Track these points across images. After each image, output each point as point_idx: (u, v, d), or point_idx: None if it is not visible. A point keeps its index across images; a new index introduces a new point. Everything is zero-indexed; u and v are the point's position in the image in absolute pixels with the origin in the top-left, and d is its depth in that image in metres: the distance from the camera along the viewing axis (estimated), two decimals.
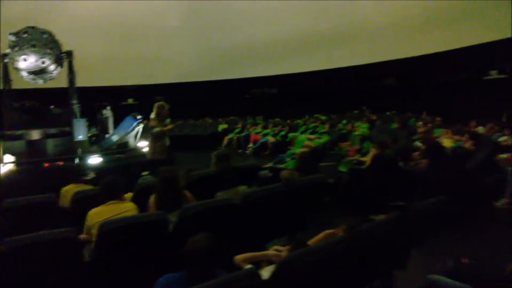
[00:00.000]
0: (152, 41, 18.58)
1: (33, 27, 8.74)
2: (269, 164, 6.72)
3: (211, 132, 14.77)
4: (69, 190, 4.19)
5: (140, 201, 3.54)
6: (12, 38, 8.45)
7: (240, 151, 12.62)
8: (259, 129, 13.03)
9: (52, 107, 9.86)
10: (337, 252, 2.10)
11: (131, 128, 9.28)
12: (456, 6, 12.00)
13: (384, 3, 14.10)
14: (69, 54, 9.23)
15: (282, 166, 6.28)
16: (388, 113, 13.93)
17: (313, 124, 12.36)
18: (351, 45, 15.35)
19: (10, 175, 6.59)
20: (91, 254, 2.85)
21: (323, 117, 13.80)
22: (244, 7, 17.28)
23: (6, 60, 8.68)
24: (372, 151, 6.38)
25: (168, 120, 7.58)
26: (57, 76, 9.41)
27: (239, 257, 2.38)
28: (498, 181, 5.72)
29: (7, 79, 8.93)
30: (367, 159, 6.07)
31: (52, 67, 8.97)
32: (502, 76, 10.64)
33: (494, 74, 10.93)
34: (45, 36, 8.73)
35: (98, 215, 3.17)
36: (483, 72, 11.33)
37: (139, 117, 9.36)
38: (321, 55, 16.30)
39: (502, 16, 10.71)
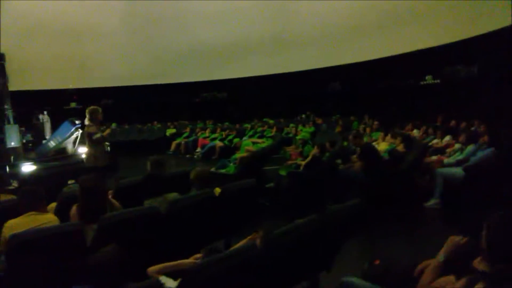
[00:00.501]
0: (96, 43, 17.96)
1: None
2: (212, 169, 6.67)
3: (159, 136, 14.48)
4: None
5: (64, 211, 3.40)
6: None
7: (188, 156, 12.49)
8: (207, 133, 12.95)
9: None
10: (249, 257, 2.11)
11: (68, 133, 8.90)
12: (394, 11, 12.61)
13: (334, 7, 14.42)
14: (1, 57, 8.74)
15: (223, 171, 6.27)
16: (334, 117, 14.32)
17: (260, 128, 12.47)
18: (299, 50, 15.64)
19: None
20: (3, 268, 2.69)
21: (271, 121, 13.95)
22: (194, 8, 17.16)
23: None
24: (310, 154, 6.54)
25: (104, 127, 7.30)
26: None
27: (152, 269, 2.33)
28: (428, 182, 6.06)
29: None
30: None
31: None
32: (437, 81, 11.29)
33: (429, 79, 11.57)
34: None
35: (15, 227, 2.99)
36: (420, 77, 11.96)
37: (77, 122, 8.99)
38: (271, 59, 16.48)
39: (440, 21, 11.39)
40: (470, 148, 5.99)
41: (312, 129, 12.10)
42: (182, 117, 17.59)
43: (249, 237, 2.67)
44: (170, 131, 14.72)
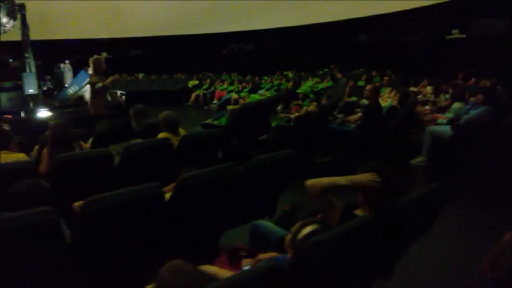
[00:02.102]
0: None
1: None
2: (208, 120, 6.87)
3: (181, 87, 14.77)
4: None
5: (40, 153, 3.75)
6: None
7: (205, 107, 12.76)
8: (225, 85, 13.08)
9: (10, 60, 9.82)
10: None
11: (85, 82, 9.29)
12: None
13: None
14: (22, 7, 9.10)
15: (215, 122, 6.44)
16: (357, 71, 13.93)
17: (277, 82, 12.41)
18: (327, 2, 15.03)
19: None
20: None
21: (291, 75, 13.79)
22: None
23: None
24: (304, 109, 6.56)
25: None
26: (10, 29, 9.31)
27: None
28: (415, 138, 5.96)
29: None
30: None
31: (4, 20, 8.87)
32: (463, 35, 10.61)
33: (456, 33, 10.89)
34: None
35: None
36: (447, 31, 11.28)
37: None
38: (298, 11, 15.97)
39: None
40: (456, 106, 5.80)
41: (330, 83, 11.90)
42: (208, 69, 17.72)
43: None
44: (192, 83, 14.95)
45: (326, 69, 14.79)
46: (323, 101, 6.70)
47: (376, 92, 5.85)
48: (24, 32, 9.19)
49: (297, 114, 6.33)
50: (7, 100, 8.42)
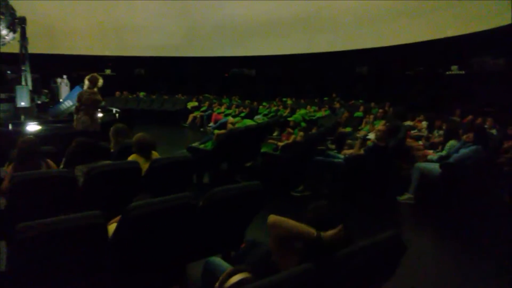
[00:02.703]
0: (133, 13, 18.37)
1: None
2: (195, 144, 6.74)
3: (179, 108, 14.77)
4: None
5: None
6: None
7: (202, 129, 12.69)
8: (222, 109, 13.04)
9: (8, 72, 9.84)
10: None
11: None
12: None
13: None
14: (22, 20, 9.20)
15: (201, 146, 6.32)
16: (356, 101, 13.89)
17: (275, 108, 12.36)
18: (331, 32, 15.17)
19: None
20: None
21: (290, 102, 13.76)
22: None
23: None
24: (292, 137, 6.44)
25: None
26: (10, 41, 9.41)
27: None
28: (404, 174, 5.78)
29: None
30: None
31: (4, 32, 8.96)
32: (461, 72, 10.56)
33: (455, 69, 10.85)
34: None
35: None
36: (446, 67, 11.25)
37: None
38: (302, 38, 16.13)
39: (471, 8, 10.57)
40: (451, 143, 5.65)
41: (326, 112, 11.83)
42: (209, 92, 17.77)
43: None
44: (191, 104, 14.94)
45: (325, 98, 14.75)
46: (313, 130, 6.58)
47: (389, 135, 5.59)
48: (22, 45, 9.25)
49: (285, 142, 6.19)
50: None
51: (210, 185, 6.50)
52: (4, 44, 9.25)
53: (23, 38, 9.24)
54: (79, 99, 6.98)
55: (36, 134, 6.18)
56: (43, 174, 3.20)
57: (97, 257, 2.27)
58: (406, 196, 5.49)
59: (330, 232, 1.73)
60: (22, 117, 8.44)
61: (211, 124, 12.29)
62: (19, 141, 3.65)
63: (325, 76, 15.85)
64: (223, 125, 11.71)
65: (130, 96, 16.86)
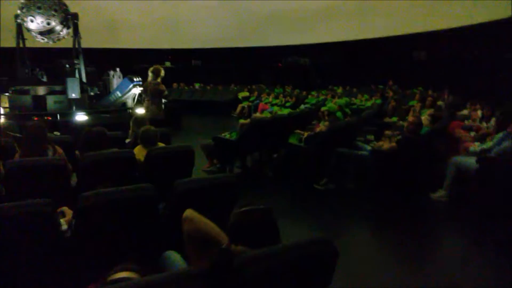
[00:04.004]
0: (190, 6, 18.78)
1: None
2: (224, 133, 6.70)
3: (230, 98, 14.89)
4: None
5: None
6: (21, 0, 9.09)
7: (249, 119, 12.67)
8: (270, 99, 12.91)
9: (67, 66, 10.49)
10: None
11: (127, 89, 9.71)
12: None
13: None
14: (75, 16, 9.74)
15: (227, 136, 6.26)
16: (414, 90, 12.97)
17: (322, 97, 11.96)
18: (384, 17, 14.29)
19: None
20: None
21: (339, 90, 13.24)
22: None
23: (18, 21, 9.41)
24: (319, 128, 6.16)
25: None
26: (65, 37, 10.04)
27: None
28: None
29: (19, 38, 9.69)
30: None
31: (58, 27, 9.57)
32: None
33: None
34: None
35: None
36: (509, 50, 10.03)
37: (135, 79, 9.74)
38: (355, 25, 15.41)
39: None
40: (499, 135, 4.99)
41: (377, 101, 11.21)
42: (263, 81, 17.70)
43: None
44: (242, 94, 15.00)
45: (381, 86, 13.97)
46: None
47: (418, 128, 5.16)
48: (75, 40, 9.83)
49: (308, 133, 5.93)
50: (53, 102, 8.99)
51: (236, 176, 6.49)
52: (59, 40, 9.90)
53: (76, 33, 9.80)
54: (145, 89, 7.54)
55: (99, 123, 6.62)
56: (35, 161, 3.31)
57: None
58: (440, 193, 4.99)
59: (240, 248, 1.54)
60: (74, 107, 8.99)
61: (257, 113, 12.21)
62: (27, 126, 3.84)
63: (381, 63, 14.99)
64: None
65: (186, 88, 17.35)
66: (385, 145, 5.09)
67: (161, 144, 4.18)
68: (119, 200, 2.34)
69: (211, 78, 18.66)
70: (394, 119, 8.60)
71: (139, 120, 4.97)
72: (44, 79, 10.46)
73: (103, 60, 13.56)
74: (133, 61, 17.23)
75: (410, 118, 5.18)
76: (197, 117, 13.09)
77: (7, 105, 9.07)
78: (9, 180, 3.12)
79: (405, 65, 14.57)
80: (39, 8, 9.09)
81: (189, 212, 1.78)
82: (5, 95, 9.16)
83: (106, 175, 3.31)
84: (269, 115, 6.93)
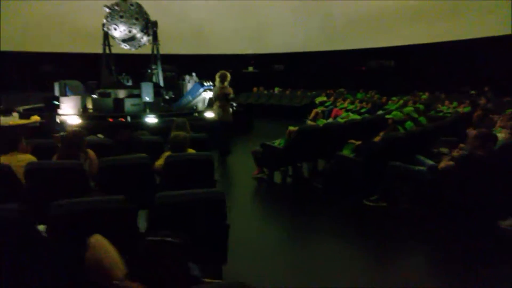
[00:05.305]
0: (272, 12, 18.81)
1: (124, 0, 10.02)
2: (276, 141, 6.47)
3: (306, 103, 14.56)
4: None
5: None
6: (106, 9, 9.89)
7: None
8: (346, 104, 12.29)
9: (149, 71, 11.15)
10: None
11: (198, 93, 9.99)
12: None
13: None
14: (154, 24, 10.33)
15: (276, 143, 6.02)
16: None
17: (402, 102, 11.03)
18: (476, 16, 12.74)
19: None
20: None
21: (425, 96, 12.08)
22: None
23: (104, 29, 10.26)
24: (377, 139, 5.59)
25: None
26: (146, 44, 10.68)
27: None
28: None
29: (105, 45, 10.56)
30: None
31: (139, 35, 10.24)
32: None
33: None
34: (132, 7, 9.94)
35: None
36: None
37: (206, 84, 9.98)
38: (444, 25, 14.00)
39: None
40: None
41: (466, 109, 10.00)
42: (344, 86, 16.98)
43: None
44: (319, 99, 14.56)
45: (472, 92, 12.47)
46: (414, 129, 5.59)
47: (484, 141, 4.32)
48: (154, 46, 10.40)
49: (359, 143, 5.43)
50: (131, 105, 9.60)
51: (281, 186, 6.23)
52: (140, 46, 10.57)
53: (155, 40, 10.37)
54: (213, 94, 7.97)
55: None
56: (51, 164, 3.44)
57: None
58: (510, 221, 4.19)
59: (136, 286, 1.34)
60: (147, 110, 9.49)
61: (331, 119, 11.71)
62: (67, 131, 4.07)
63: (477, 66, 13.36)
64: None
65: (265, 92, 17.40)
66: (442, 163, 4.41)
67: (191, 151, 4.13)
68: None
69: (292, 82, 18.47)
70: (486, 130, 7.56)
71: (180, 124, 5.01)
72: (130, 83, 11.28)
73: (188, 66, 14.16)
74: (217, 67, 17.78)
75: (475, 130, 4.44)
76: (270, 121, 13.01)
77: (91, 106, 9.90)
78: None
79: (504, 70, 12.80)
80: (121, 17, 9.81)
81: (94, 238, 1.63)
82: (90, 97, 10.01)
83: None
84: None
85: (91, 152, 4.05)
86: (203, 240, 2.65)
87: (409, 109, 6.90)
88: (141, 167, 3.45)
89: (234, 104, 11.30)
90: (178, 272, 1.39)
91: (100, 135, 5.79)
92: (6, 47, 14.63)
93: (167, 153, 3.99)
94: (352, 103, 12.25)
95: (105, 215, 2.31)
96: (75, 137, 3.99)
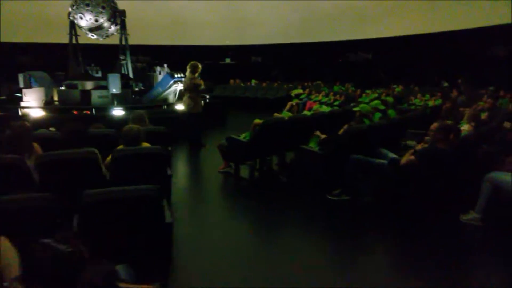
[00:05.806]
0: (251, 2, 18.60)
1: None
2: (244, 134, 6.33)
3: (282, 95, 14.45)
4: None
5: None
6: None
7: None
8: (320, 96, 12.24)
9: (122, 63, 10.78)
10: None
11: (168, 85, 9.73)
12: None
13: None
14: (122, 13, 9.98)
15: (241, 137, 5.87)
16: (490, 88, 11.47)
17: (374, 95, 11.04)
18: (451, 8, 12.81)
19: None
20: None
21: (398, 89, 12.12)
22: None
23: (70, 18, 9.88)
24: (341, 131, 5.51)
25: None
26: (113, 33, 10.34)
27: None
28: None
29: (71, 35, 10.17)
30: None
31: (106, 24, 9.89)
32: None
33: None
34: None
35: None
36: None
37: (177, 75, 9.73)
38: (421, 17, 14.07)
39: None
40: None
41: (437, 102, 10.06)
42: (321, 78, 16.95)
43: None
44: (295, 91, 14.47)
45: (446, 84, 12.58)
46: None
47: (446, 134, 4.26)
48: (122, 36, 10.08)
49: (323, 136, 5.33)
50: (97, 97, 9.27)
51: (247, 180, 6.10)
52: (107, 36, 10.23)
53: (123, 30, 10.05)
54: (184, 85, 7.76)
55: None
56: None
57: None
58: (471, 215, 4.16)
59: None
60: (114, 102, 9.19)
61: (305, 111, 11.63)
62: (12, 125, 3.82)
63: (452, 58, 13.46)
64: None
65: (242, 84, 17.22)
66: (404, 157, 4.34)
67: (146, 144, 3.95)
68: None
69: (269, 75, 18.36)
70: (449, 122, 7.58)
71: (137, 117, 4.81)
72: (99, 75, 10.93)
73: (165, 57, 13.81)
74: (195, 58, 17.49)
75: (434, 125, 4.38)
76: (245, 114, 12.85)
77: (57, 98, 9.54)
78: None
79: (480, 62, 12.94)
80: (87, 5, 9.46)
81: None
82: (56, 89, 9.64)
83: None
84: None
85: (37, 147, 3.83)
86: (140, 241, 2.51)
87: (375, 102, 6.83)
88: (86, 162, 3.25)
89: (207, 96, 11.10)
90: (65, 277, 1.27)
91: (52, 129, 5.52)
92: None
93: (120, 147, 3.81)
94: (326, 95, 12.20)
95: (29, 215, 2.14)
96: (19, 131, 3.76)
